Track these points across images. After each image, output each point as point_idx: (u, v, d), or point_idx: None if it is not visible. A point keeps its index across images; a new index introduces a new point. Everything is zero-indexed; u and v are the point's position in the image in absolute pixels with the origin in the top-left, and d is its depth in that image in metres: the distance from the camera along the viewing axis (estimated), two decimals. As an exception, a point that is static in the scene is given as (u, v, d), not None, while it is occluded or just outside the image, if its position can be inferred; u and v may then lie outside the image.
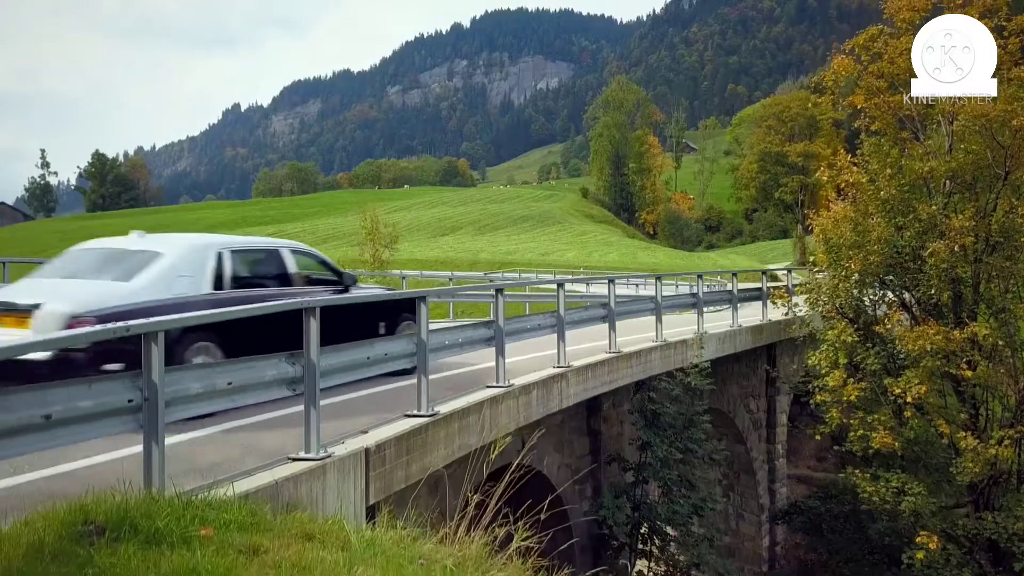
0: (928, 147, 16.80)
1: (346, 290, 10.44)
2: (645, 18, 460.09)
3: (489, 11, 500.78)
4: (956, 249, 14.91)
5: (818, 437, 17.24)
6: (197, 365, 5.55)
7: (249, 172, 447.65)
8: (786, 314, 19.14)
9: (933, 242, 15.30)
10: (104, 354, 6.74)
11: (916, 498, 14.41)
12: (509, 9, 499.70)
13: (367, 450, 6.94)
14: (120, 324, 4.94)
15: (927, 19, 17.23)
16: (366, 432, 7.46)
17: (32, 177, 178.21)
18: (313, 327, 6.36)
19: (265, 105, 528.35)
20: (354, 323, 9.22)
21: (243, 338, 7.67)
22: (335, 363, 7.12)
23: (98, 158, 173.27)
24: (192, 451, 6.54)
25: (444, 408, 8.46)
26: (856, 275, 15.89)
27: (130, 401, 4.70)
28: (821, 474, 25.52)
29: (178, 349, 7.19)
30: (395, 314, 10.55)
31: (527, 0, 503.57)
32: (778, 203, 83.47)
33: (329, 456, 6.47)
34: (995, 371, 14.99)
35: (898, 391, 14.84)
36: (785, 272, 25.06)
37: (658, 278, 15.20)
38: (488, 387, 9.74)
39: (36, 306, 7.54)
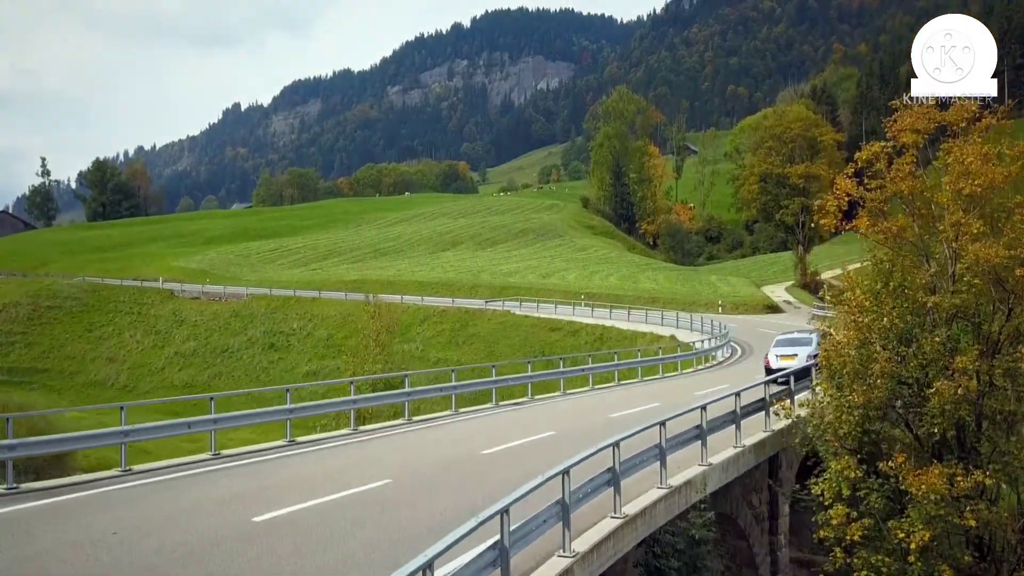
0: (931, 276, 16.77)
1: None
2: (645, 18, 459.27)
3: (489, 11, 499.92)
4: (960, 392, 14.90)
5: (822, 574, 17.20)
6: None
7: (249, 172, 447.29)
8: (789, 427, 19.09)
9: (937, 380, 15.30)
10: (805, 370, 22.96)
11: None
12: (509, 9, 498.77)
13: None
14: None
15: (929, 140, 17.17)
16: None
17: (32, 185, 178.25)
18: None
19: (265, 105, 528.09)
20: None
21: None
22: None
23: (98, 166, 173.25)
24: None
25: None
26: (859, 408, 15.86)
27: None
28: (823, 557, 25.46)
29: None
30: None
31: (527, 0, 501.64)
32: (779, 224, 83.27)
33: None
34: (998, 513, 15.00)
35: (902, 535, 14.85)
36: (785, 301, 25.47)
37: (662, 424, 14.96)
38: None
39: (795, 355, 26.10)
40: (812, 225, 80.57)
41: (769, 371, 25.49)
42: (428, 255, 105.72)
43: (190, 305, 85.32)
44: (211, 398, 17.19)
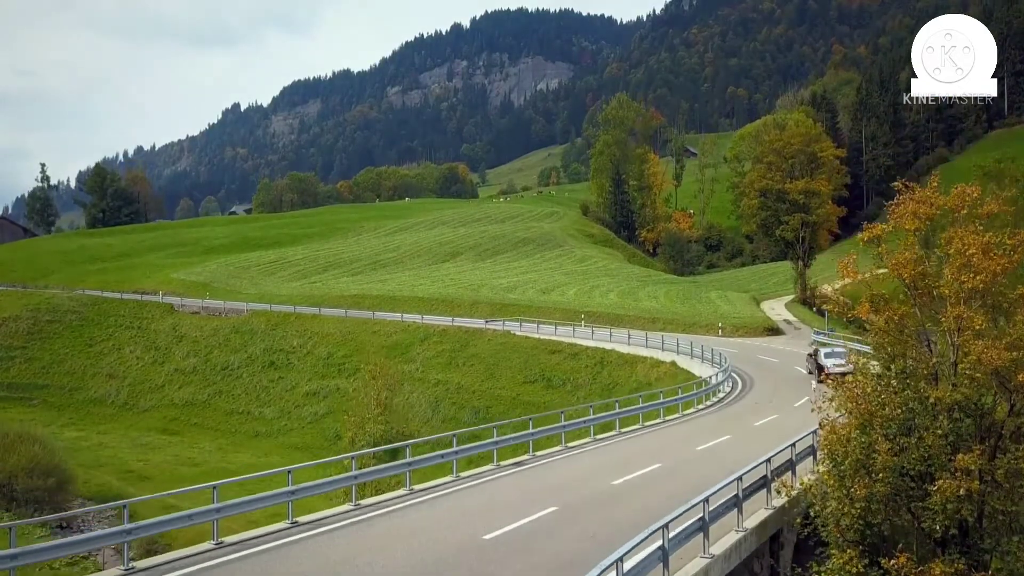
0: (933, 364, 16.78)
1: None
2: (645, 18, 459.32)
3: (489, 11, 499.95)
4: (962, 493, 14.93)
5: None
6: None
7: (249, 172, 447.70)
8: (791, 503, 19.12)
9: (940, 475, 15.34)
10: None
11: None
12: (509, 9, 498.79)
13: None
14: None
15: (932, 228, 17.19)
16: None
17: (31, 191, 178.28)
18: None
19: (265, 105, 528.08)
20: None
21: None
22: None
23: (98, 172, 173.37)
24: None
25: None
26: (862, 501, 15.88)
27: None
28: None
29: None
30: None
31: (527, 0, 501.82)
32: (779, 240, 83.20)
33: None
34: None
35: (906, 637, 14.88)
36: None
37: (665, 526, 14.86)
38: None
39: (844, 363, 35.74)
40: (811, 243, 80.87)
41: (824, 372, 38.86)
42: (428, 266, 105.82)
43: (190, 320, 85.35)
44: (214, 487, 17.16)
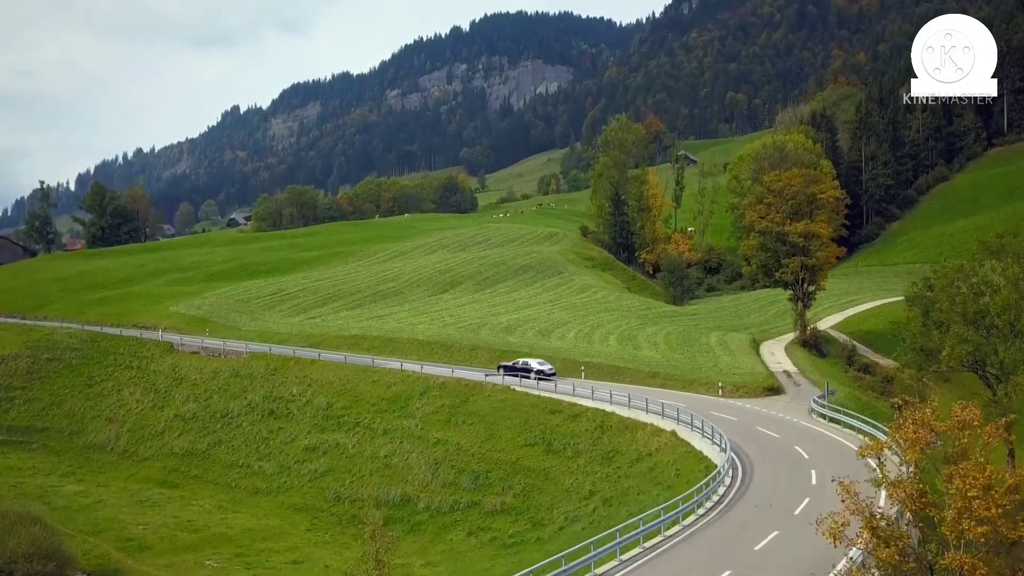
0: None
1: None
2: (644, 21, 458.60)
3: (488, 14, 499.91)
4: None
5: None
6: None
7: (249, 175, 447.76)
8: None
9: None
10: (549, 373, 65.35)
11: None
12: (508, 12, 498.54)
13: None
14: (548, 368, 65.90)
15: (934, 443, 17.14)
16: None
17: (33, 210, 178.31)
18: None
19: (264, 107, 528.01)
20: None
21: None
22: None
23: (96, 190, 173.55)
24: None
25: None
26: None
27: None
28: None
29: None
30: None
31: (526, 3, 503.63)
32: (779, 282, 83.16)
33: None
34: None
35: None
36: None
37: None
38: None
39: (549, 366, 66.41)
40: (810, 287, 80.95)
41: (531, 369, 65.33)
42: (427, 298, 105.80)
43: (190, 361, 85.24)
44: None
